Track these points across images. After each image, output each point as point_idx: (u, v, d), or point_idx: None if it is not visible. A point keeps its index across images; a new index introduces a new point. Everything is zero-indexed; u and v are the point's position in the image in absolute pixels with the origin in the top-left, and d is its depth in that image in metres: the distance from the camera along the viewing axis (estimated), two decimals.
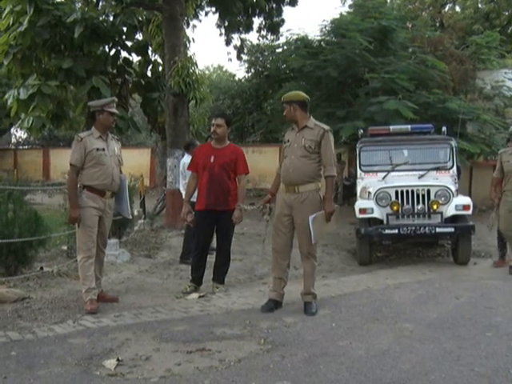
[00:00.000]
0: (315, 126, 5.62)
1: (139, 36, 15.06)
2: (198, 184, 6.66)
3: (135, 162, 22.17)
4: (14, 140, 35.72)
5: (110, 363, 4.10)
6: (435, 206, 8.56)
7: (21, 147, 33.38)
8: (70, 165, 5.74)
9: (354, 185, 11.00)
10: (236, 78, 27.89)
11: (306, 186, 5.54)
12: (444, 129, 10.06)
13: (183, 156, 9.55)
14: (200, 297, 6.29)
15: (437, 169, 9.40)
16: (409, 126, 10.40)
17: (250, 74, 24.20)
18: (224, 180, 6.49)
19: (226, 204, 6.50)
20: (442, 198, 8.60)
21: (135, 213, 12.23)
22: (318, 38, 16.86)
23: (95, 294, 5.77)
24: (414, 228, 8.38)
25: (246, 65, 23.90)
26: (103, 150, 5.82)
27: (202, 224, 6.64)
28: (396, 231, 8.46)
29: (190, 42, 14.40)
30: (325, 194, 5.56)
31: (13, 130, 31.94)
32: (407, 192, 8.65)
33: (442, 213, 8.58)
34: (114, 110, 5.94)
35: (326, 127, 5.63)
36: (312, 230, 5.46)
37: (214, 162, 6.48)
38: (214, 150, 6.57)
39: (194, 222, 6.72)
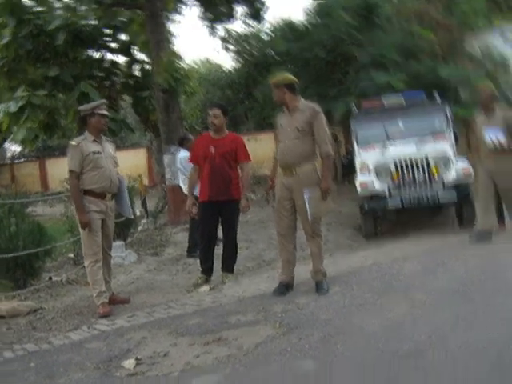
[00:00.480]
0: (306, 108, 5.62)
1: (123, 37, 15.01)
2: (199, 176, 6.68)
3: (132, 162, 22.16)
4: (9, 154, 35.65)
5: (129, 363, 4.11)
6: (436, 173, 8.54)
7: (16, 161, 33.32)
8: (70, 171, 5.74)
9: (352, 162, 11.00)
10: (225, 69, 27.77)
11: (303, 167, 5.54)
12: (435, 93, 10.02)
13: (179, 151, 9.55)
14: (211, 289, 6.31)
15: (433, 133, 9.36)
16: (400, 95, 10.38)
17: (238, 65, 24.10)
18: (225, 170, 6.51)
19: (229, 194, 6.52)
20: (442, 164, 8.59)
21: (137, 213, 12.26)
22: (304, 21, 16.81)
23: (106, 297, 5.80)
24: (417, 198, 8.38)
25: (234, 55, 23.82)
26: (99, 152, 5.84)
27: (205, 215, 6.64)
28: (399, 203, 8.46)
29: (173, 36, 14.37)
30: (322, 172, 5.56)
31: (7, 145, 31.87)
32: (406, 161, 8.65)
33: (443, 179, 8.57)
34: (105, 112, 5.96)
35: (317, 107, 5.63)
36: (308, 207, 5.47)
37: (214, 153, 6.50)
38: (214, 140, 6.59)
39: (198, 214, 6.73)
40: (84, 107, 6.08)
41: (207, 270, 6.77)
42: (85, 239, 5.77)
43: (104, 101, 6.21)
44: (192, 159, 6.84)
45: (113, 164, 6.01)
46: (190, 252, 8.79)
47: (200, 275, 6.81)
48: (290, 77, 5.76)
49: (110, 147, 6.10)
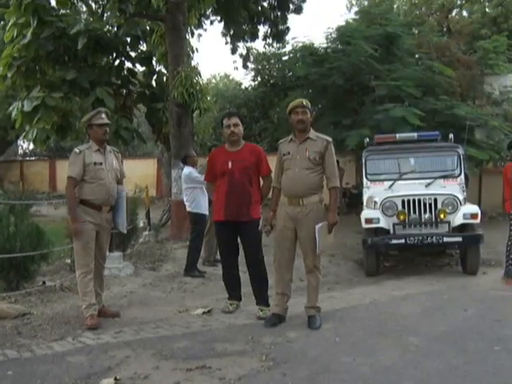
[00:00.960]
0: (317, 138, 5.59)
1: (143, 46, 15.08)
2: (214, 193, 6.19)
3: (141, 172, 22.23)
4: (20, 151, 35.88)
5: (108, 383, 4.04)
6: (442, 215, 8.48)
7: (27, 158, 33.52)
8: (68, 177, 5.67)
9: (360, 194, 10.93)
10: (242, 87, 27.87)
11: (310, 198, 5.50)
12: (451, 136, 9.97)
13: (182, 169, 9.53)
14: (204, 312, 6.20)
15: (444, 177, 9.32)
16: (415, 134, 10.32)
17: (256, 83, 24.19)
18: (245, 187, 5.91)
19: (248, 214, 5.91)
20: (450, 207, 8.51)
21: (140, 224, 12.24)
22: (324, 45, 16.85)
23: (95, 309, 5.73)
24: (421, 238, 8.29)
25: (253, 73, 23.91)
26: (101, 164, 5.76)
27: (222, 237, 6.20)
28: (403, 241, 8.38)
29: (193, 51, 14.37)
30: (329, 206, 5.52)
31: (19, 142, 32.07)
32: (414, 201, 8.57)
33: (449, 222, 8.50)
34: (102, 121, 5.79)
35: (329, 138, 5.62)
36: (318, 240, 5.42)
37: (232, 168, 5.91)
38: (231, 154, 6.00)
39: (216, 235, 6.49)
40: (82, 120, 6.01)
41: (236, 296, 6.31)
42: (77, 249, 5.71)
43: (101, 109, 6.00)
44: (207, 177, 6.32)
45: (114, 177, 5.90)
46: (188, 271, 8.74)
47: (230, 301, 6.27)
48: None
49: (114, 158, 6.00)
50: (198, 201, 8.82)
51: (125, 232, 6.45)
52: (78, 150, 5.73)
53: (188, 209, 8.93)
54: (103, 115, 5.83)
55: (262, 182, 6.13)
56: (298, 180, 5.52)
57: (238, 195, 5.90)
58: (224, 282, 6.38)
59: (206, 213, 8.85)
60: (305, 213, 5.50)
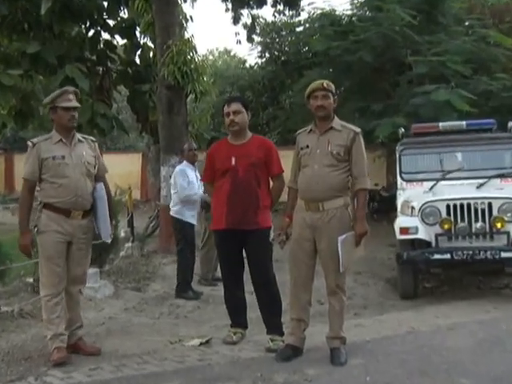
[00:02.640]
0: (343, 128, 5.55)
1: (124, 13, 15.06)
2: (213, 195, 6.17)
3: (122, 169, 22.21)
4: None
5: None
6: (499, 224, 8.40)
7: None
8: (23, 179, 5.63)
9: (392, 197, 10.88)
10: (247, 65, 27.90)
11: (333, 202, 5.45)
12: (510, 124, 9.91)
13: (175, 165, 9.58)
14: (202, 343, 6.14)
15: (501, 176, 9.26)
16: (464, 123, 10.26)
17: (263, 60, 24.21)
18: (252, 187, 5.86)
19: (256, 221, 5.85)
20: (509, 214, 8.44)
21: (122, 234, 12.21)
22: (348, 12, 16.84)
23: (63, 340, 5.63)
24: (471, 252, 8.22)
25: (259, 48, 23.93)
26: (63, 157, 5.59)
27: (223, 249, 6.13)
28: (448, 256, 8.31)
29: (187, 20, 14.35)
30: (356, 212, 5.48)
31: None
32: (462, 206, 8.50)
33: (508, 232, 8.42)
34: (69, 104, 5.66)
35: (357, 129, 5.57)
36: (341, 255, 5.36)
37: (236, 164, 5.85)
38: (234, 148, 5.96)
39: (216, 248, 6.42)
40: (45, 100, 5.91)
41: (241, 323, 6.24)
42: (42, 266, 5.64)
43: (68, 88, 5.88)
44: (206, 177, 6.29)
45: (84, 172, 5.70)
46: (180, 291, 8.73)
47: (233, 330, 6.21)
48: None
49: (87, 149, 5.83)
50: (181, 206, 8.94)
51: (108, 241, 6.29)
52: (31, 143, 5.62)
53: (171, 213, 9.07)
54: (71, 96, 5.71)
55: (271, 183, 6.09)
56: (317, 179, 5.47)
57: (243, 198, 5.84)
58: (226, 305, 6.32)
59: (192, 222, 8.98)
60: (325, 220, 5.45)
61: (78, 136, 5.83)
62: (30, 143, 5.63)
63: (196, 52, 12.27)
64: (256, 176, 5.88)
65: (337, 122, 5.58)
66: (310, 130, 5.68)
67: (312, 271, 5.66)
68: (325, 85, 5.55)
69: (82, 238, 5.75)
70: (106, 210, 5.89)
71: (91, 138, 6.06)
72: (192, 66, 11.93)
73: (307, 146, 5.60)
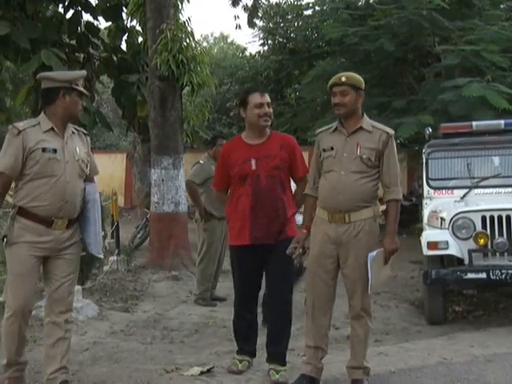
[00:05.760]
0: (373, 129, 5.53)
1: None
2: (228, 205, 6.08)
3: (104, 171, 21.82)
4: None
5: None
6: None
7: None
8: None
9: (414, 206, 10.90)
10: (247, 54, 27.91)
11: (361, 213, 5.44)
12: None
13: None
14: (202, 372, 6.11)
15: None
16: (501, 122, 10.26)
17: (266, 48, 24.21)
18: (277, 196, 5.79)
19: (284, 233, 5.81)
20: None
21: (106, 246, 12.18)
22: None
23: (21, 369, 5.31)
24: (510, 271, 8.23)
25: (262, 34, 23.90)
26: (55, 151, 5.10)
27: (244, 267, 6.00)
28: (484, 275, 8.30)
29: (183, 1, 14.34)
30: (387, 225, 5.48)
31: None
32: (500, 218, 8.51)
33: None
34: (85, 91, 5.38)
35: (390, 130, 5.56)
36: (370, 275, 5.35)
37: (257, 169, 5.76)
38: (253, 149, 5.85)
39: (234, 266, 6.18)
40: (54, 75, 5.41)
41: (249, 351, 6.19)
42: (8, 283, 5.23)
43: (84, 72, 5.62)
44: (218, 184, 6.21)
45: (77, 172, 5.25)
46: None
47: (239, 357, 6.15)
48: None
49: (80, 144, 5.38)
50: None
51: (100, 256, 6.03)
52: (15, 129, 5.08)
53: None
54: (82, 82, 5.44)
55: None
56: (344, 187, 5.44)
57: (268, 209, 5.77)
58: (234, 330, 6.31)
59: None
60: (352, 234, 5.43)
61: (72, 127, 5.42)
62: (13, 128, 5.09)
63: (193, 38, 12.27)
64: (281, 181, 5.84)
65: (367, 122, 5.57)
66: (335, 128, 5.63)
67: (333, 292, 5.66)
68: (343, 79, 5.49)
69: (68, 253, 5.32)
70: (99, 218, 5.54)
71: (82, 130, 5.61)
72: (188, 54, 11.93)
73: (332, 148, 5.55)
